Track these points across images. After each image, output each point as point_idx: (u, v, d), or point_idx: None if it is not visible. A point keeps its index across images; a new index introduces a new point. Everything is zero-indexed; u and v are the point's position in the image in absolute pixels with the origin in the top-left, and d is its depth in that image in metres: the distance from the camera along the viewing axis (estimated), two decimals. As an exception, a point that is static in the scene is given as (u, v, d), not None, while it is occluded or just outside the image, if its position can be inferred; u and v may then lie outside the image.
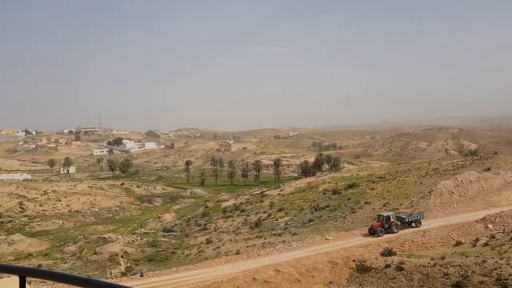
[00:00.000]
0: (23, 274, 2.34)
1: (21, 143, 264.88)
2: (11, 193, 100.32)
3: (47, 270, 2.38)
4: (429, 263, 31.42)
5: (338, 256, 35.80)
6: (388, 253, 33.93)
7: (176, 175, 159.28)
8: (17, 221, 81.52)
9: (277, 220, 58.37)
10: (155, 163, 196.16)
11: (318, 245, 40.67)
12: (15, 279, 2.42)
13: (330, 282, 32.71)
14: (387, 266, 32.07)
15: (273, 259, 38.42)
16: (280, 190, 78.92)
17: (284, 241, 45.61)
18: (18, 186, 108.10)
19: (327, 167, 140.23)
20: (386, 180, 71.10)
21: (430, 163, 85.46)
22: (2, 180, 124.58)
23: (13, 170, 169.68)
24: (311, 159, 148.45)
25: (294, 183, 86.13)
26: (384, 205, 54.54)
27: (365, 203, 57.72)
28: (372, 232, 40.38)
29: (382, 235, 39.65)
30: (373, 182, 70.83)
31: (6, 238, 62.48)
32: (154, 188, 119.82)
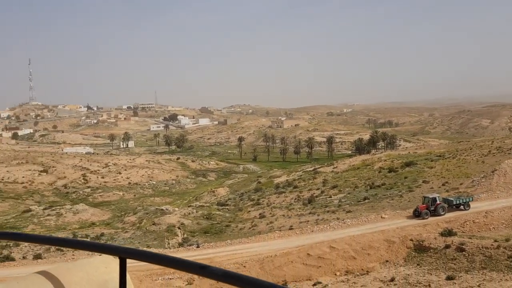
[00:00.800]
0: (125, 256, 2.18)
1: (83, 118, 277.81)
2: (75, 166, 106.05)
3: (149, 252, 2.16)
4: (492, 245, 30.06)
5: (394, 235, 35.03)
6: (448, 233, 32.77)
7: (229, 151, 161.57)
8: (81, 192, 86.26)
9: (330, 197, 57.91)
10: (208, 138, 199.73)
11: (374, 223, 39.93)
12: (109, 259, 2.31)
13: (387, 261, 32.16)
14: (447, 246, 31.02)
15: (327, 236, 38.23)
16: (334, 167, 78.05)
17: (338, 218, 45.25)
18: (81, 159, 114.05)
19: (383, 145, 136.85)
20: (446, 158, 68.34)
21: (493, 142, 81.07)
22: (67, 153, 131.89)
23: (77, 144, 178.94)
24: (366, 137, 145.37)
25: (348, 160, 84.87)
26: (443, 184, 52.59)
27: (423, 181, 55.88)
28: (417, 214, 38.81)
29: (427, 218, 38.07)
30: (432, 161, 68.33)
31: (71, 208, 66.24)
32: (208, 163, 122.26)
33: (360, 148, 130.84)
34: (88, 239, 45.83)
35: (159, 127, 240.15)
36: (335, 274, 31.45)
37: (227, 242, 41.32)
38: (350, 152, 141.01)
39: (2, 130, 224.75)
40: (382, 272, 31.54)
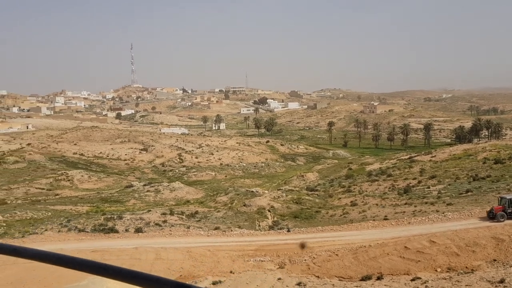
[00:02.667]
0: None
1: (179, 100, 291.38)
2: (172, 145, 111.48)
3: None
4: None
5: (503, 232, 31.92)
6: None
7: (318, 136, 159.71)
8: (176, 171, 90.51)
9: (428, 187, 54.62)
10: (297, 123, 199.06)
11: (478, 218, 36.91)
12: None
13: (494, 260, 29.45)
14: None
15: (426, 229, 36.05)
16: (432, 156, 73.54)
17: (437, 211, 42.54)
18: (177, 139, 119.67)
19: (486, 133, 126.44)
20: None
21: None
22: (164, 133, 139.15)
23: (173, 125, 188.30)
24: (467, 124, 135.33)
25: (448, 149, 79.46)
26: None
27: (537, 176, 50.50)
28: (491, 217, 34.76)
29: (503, 221, 33.90)
30: (547, 153, 61.55)
31: (168, 185, 69.64)
32: (297, 147, 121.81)
33: (461, 136, 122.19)
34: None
35: (249, 110, 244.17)
36: (436, 270, 29.49)
37: (318, 228, 40.70)
38: (449, 140, 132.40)
39: (107, 110, 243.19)
40: (489, 272, 28.94)
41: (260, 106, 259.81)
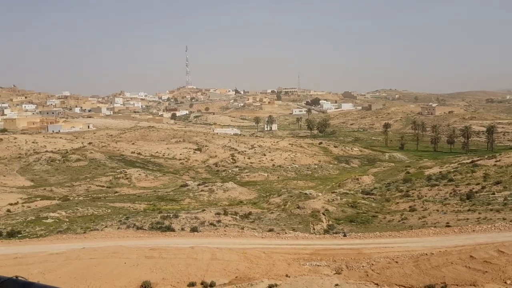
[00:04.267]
0: None
1: (231, 101, 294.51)
2: (225, 146, 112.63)
3: None
4: None
5: None
6: None
7: (373, 138, 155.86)
8: (229, 171, 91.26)
9: (493, 194, 51.54)
10: (351, 124, 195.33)
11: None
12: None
13: None
14: None
15: (492, 238, 33.99)
16: (496, 161, 69.50)
17: (504, 219, 40.01)
18: (230, 140, 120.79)
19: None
20: None
21: None
22: (217, 133, 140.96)
23: (225, 125, 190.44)
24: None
25: (515, 153, 74.82)
26: None
27: None
28: None
29: None
30: None
31: (221, 185, 70.25)
32: (351, 149, 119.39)
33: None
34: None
35: (301, 111, 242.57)
36: (505, 282, 27.58)
37: (375, 234, 39.45)
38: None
39: (163, 111, 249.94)
40: None
41: (313, 107, 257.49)
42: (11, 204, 52.50)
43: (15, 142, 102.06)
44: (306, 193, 62.96)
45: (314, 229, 45.37)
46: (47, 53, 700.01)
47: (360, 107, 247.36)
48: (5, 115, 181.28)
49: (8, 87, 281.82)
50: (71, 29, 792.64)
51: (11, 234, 37.18)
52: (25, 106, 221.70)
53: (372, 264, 31.71)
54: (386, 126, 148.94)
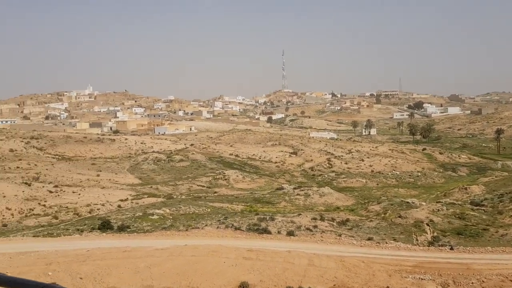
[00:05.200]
0: None
1: (328, 104, 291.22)
2: (321, 150, 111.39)
3: None
4: None
5: None
6: None
7: (483, 144, 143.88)
8: (325, 176, 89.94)
9: None
10: (458, 129, 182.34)
11: None
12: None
13: None
14: None
15: None
16: None
17: None
18: (326, 144, 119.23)
19: None
20: None
21: None
22: (313, 137, 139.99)
23: (321, 129, 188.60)
24: None
25: None
26: None
27: None
28: None
29: None
30: None
31: (317, 190, 69.38)
32: (459, 156, 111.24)
33: None
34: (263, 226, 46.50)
35: (403, 115, 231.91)
36: None
37: (486, 248, 36.05)
38: None
39: (260, 114, 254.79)
40: None
41: (415, 111, 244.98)
42: (121, 200, 56.67)
43: (126, 143, 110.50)
44: (408, 202, 59.74)
45: (417, 240, 42.78)
46: (155, 60, 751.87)
47: (468, 111, 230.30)
48: (118, 117, 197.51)
49: (121, 92, 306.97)
50: (179, 40, 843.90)
51: (121, 228, 39.96)
52: (135, 110, 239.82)
53: (483, 281, 29.01)
54: (499, 132, 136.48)
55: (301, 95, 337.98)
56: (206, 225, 42.87)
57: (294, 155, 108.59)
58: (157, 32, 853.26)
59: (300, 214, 50.76)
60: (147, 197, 60.75)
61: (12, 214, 48.72)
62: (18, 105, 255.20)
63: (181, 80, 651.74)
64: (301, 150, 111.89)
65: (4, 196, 53.12)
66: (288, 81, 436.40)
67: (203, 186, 75.27)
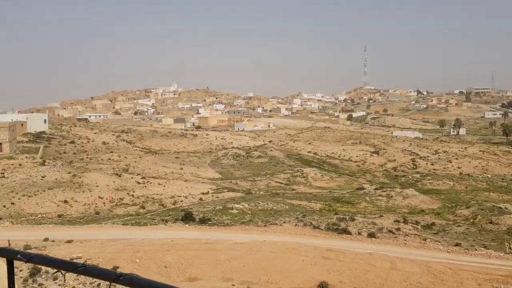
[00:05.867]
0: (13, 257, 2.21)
1: (413, 102, 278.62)
2: (404, 150, 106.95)
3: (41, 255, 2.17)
4: None
5: None
6: None
7: None
8: (409, 177, 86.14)
9: None
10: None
11: None
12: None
13: None
14: None
15: None
16: None
17: None
18: (410, 144, 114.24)
19: None
20: None
21: None
22: (396, 136, 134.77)
23: (405, 128, 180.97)
24: None
25: None
26: None
27: None
28: None
29: None
30: None
31: (401, 191, 66.61)
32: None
33: None
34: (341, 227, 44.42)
35: (495, 114, 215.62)
36: None
37: None
38: None
39: (339, 112, 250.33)
40: None
41: (510, 110, 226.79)
42: (203, 194, 58.44)
43: (207, 138, 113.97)
44: (500, 207, 55.33)
45: (510, 248, 39.50)
46: (235, 58, 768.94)
47: None
48: (199, 113, 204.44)
49: (203, 89, 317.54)
50: (258, 38, 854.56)
51: (203, 221, 41.14)
52: (215, 106, 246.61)
53: None
54: None
55: (383, 93, 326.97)
56: (284, 222, 42.81)
57: (376, 155, 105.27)
58: (236, 31, 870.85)
59: (382, 216, 49.01)
60: (227, 191, 62.07)
61: (104, 203, 52.14)
62: (110, 101, 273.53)
63: (260, 77, 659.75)
64: (383, 149, 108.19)
65: (97, 186, 57.00)
66: (370, 78, 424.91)
67: (281, 183, 75.41)
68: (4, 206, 47.06)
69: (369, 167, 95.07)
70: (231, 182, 73.81)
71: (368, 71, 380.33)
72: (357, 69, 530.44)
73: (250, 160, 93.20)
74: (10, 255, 2.30)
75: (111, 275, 1.93)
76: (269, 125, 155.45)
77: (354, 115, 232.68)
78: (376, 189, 69.74)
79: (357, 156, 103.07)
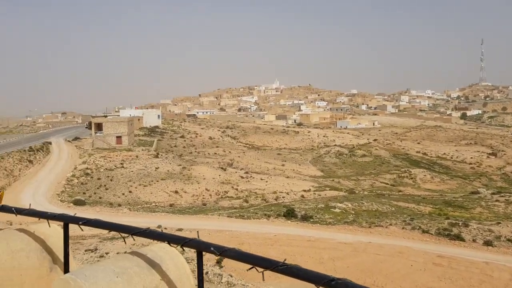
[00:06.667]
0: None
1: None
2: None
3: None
4: None
5: None
6: None
7: None
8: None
9: None
10: None
11: None
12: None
13: None
14: None
15: None
16: None
17: None
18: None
19: None
20: None
21: None
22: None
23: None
24: None
25: None
26: None
27: None
28: None
29: None
30: None
31: (523, 197, 60.25)
32: None
33: None
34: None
35: None
36: None
37: None
38: None
39: (451, 110, 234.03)
40: None
41: None
42: (304, 191, 58.28)
43: (309, 135, 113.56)
44: None
45: None
46: (337, 54, 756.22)
47: None
48: (301, 111, 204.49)
49: (305, 86, 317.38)
50: (363, 33, 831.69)
51: (305, 218, 40.97)
52: (317, 103, 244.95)
53: None
54: None
55: (502, 89, 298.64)
56: (390, 224, 40.99)
57: (493, 157, 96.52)
58: (335, 26, 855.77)
59: (500, 223, 44.66)
60: (329, 189, 61.21)
61: (210, 195, 54.45)
62: (216, 98, 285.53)
63: (365, 73, 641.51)
64: (502, 151, 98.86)
65: (204, 178, 59.72)
66: (486, 74, 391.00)
67: (387, 184, 72.45)
68: (123, 194, 51.35)
69: (485, 170, 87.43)
70: (333, 180, 72.69)
71: (485, 66, 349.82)
72: (473, 64, 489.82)
73: (353, 158, 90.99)
74: (201, 247, 2.35)
75: (321, 279, 1.81)
76: (373, 123, 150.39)
77: (469, 113, 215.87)
78: (493, 193, 63.83)
79: (471, 157, 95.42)
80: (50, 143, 74.95)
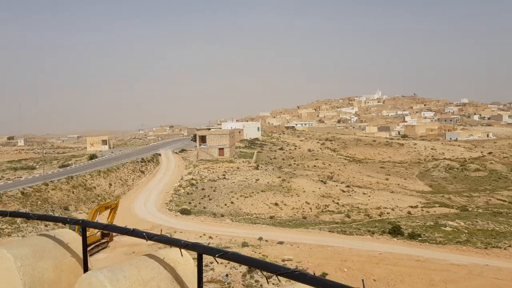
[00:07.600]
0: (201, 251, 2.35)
1: None
2: None
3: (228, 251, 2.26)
4: None
5: None
6: None
7: None
8: None
9: None
10: None
11: None
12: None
13: None
14: None
15: None
16: None
17: None
18: None
19: None
20: None
21: None
22: None
23: None
24: None
25: None
26: None
27: None
28: None
29: None
30: None
31: None
32: None
33: None
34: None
35: None
36: None
37: None
38: None
39: None
40: None
41: None
42: (411, 207, 55.07)
43: (415, 148, 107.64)
44: None
45: None
46: (444, 61, 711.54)
47: None
48: (406, 121, 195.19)
49: (409, 96, 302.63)
50: (473, 34, 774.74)
51: (412, 236, 38.52)
52: (423, 114, 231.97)
53: None
54: None
55: None
56: (509, 246, 36.94)
57: None
58: (448, 34, 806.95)
59: None
60: (438, 206, 57.15)
61: (310, 208, 53.75)
62: (315, 109, 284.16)
63: (477, 81, 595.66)
64: None
65: (304, 191, 59.21)
66: None
67: (504, 201, 65.75)
68: (225, 205, 52.77)
69: None
70: (443, 196, 67.85)
71: None
72: None
73: (465, 173, 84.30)
74: (199, 250, 2.40)
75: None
76: (487, 135, 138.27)
77: None
78: None
79: None
80: (159, 154, 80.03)
